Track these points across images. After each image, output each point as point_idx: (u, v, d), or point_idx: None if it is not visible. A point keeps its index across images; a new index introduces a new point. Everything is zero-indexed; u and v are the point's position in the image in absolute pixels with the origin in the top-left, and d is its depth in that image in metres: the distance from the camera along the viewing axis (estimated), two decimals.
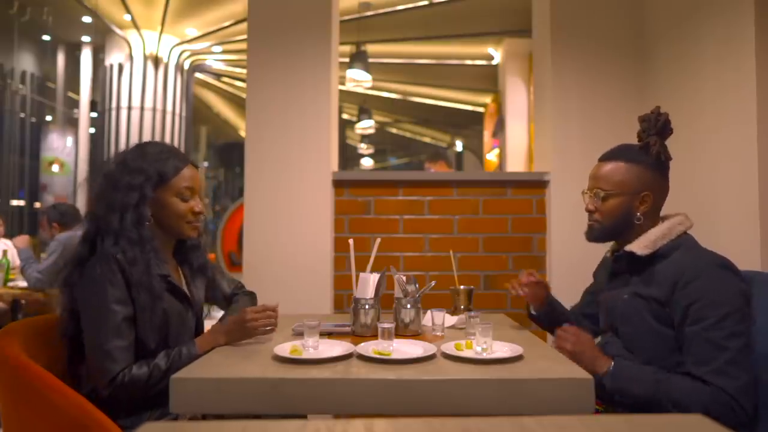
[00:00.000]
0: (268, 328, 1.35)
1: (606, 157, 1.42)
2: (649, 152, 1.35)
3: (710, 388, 1.16)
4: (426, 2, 6.13)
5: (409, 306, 1.45)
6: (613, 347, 1.36)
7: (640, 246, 1.33)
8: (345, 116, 11.23)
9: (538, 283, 1.60)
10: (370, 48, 6.82)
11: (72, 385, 1.29)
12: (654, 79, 2.40)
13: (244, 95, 3.14)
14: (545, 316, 1.64)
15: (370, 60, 6.57)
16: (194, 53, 8.72)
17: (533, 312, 1.67)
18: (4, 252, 3.87)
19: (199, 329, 1.52)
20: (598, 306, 1.54)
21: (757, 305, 1.29)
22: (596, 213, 1.41)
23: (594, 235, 1.44)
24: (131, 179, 1.34)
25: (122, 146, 7.94)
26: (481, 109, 9.39)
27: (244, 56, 7.67)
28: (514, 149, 5.99)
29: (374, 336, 1.34)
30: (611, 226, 1.39)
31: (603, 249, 1.56)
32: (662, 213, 1.42)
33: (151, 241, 1.34)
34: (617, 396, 1.29)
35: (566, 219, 2.41)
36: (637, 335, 1.32)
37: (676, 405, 1.18)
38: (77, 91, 9.69)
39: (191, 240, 1.50)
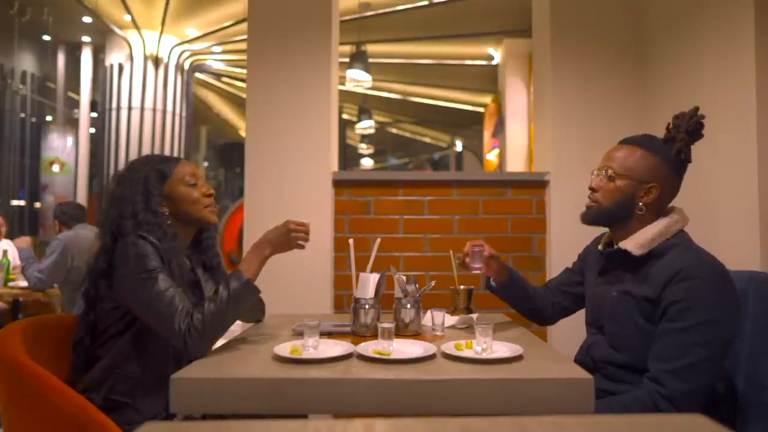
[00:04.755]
0: (307, 242, 1.43)
1: (626, 141, 1.37)
2: (672, 147, 1.30)
3: (652, 386, 1.16)
4: (426, 2, 6.12)
5: (409, 306, 1.45)
6: (600, 347, 1.35)
7: (636, 245, 1.28)
8: (345, 116, 11.23)
9: (491, 257, 1.53)
10: (370, 48, 6.82)
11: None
12: (654, 79, 2.40)
13: (244, 95, 3.14)
14: (508, 288, 1.59)
15: (370, 60, 6.57)
16: (194, 53, 8.72)
17: (493, 284, 1.60)
18: (5, 252, 3.86)
19: None
20: (586, 299, 1.51)
21: (757, 305, 1.29)
22: (598, 192, 1.35)
23: (589, 216, 1.38)
24: (132, 182, 1.37)
25: (122, 146, 8.03)
26: (481, 109, 9.40)
27: (244, 56, 7.67)
28: (514, 149, 6.00)
29: (374, 336, 1.34)
30: (609, 208, 1.33)
31: None
32: None
33: (173, 236, 1.36)
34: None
35: (566, 219, 2.41)
36: (624, 333, 1.29)
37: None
38: (77, 91, 9.68)
39: (207, 240, 1.53)
